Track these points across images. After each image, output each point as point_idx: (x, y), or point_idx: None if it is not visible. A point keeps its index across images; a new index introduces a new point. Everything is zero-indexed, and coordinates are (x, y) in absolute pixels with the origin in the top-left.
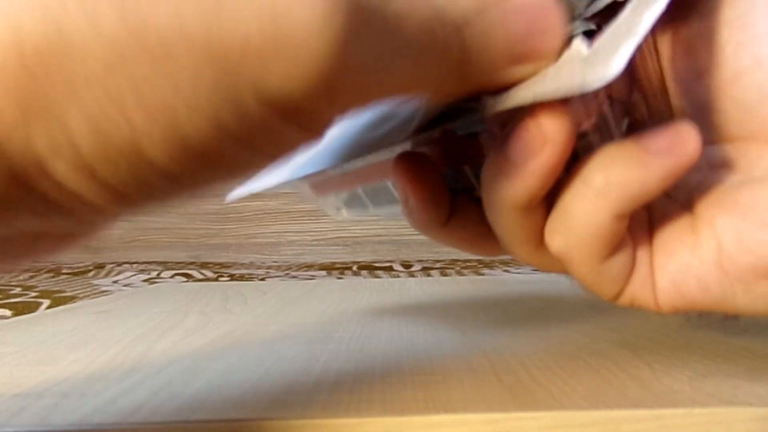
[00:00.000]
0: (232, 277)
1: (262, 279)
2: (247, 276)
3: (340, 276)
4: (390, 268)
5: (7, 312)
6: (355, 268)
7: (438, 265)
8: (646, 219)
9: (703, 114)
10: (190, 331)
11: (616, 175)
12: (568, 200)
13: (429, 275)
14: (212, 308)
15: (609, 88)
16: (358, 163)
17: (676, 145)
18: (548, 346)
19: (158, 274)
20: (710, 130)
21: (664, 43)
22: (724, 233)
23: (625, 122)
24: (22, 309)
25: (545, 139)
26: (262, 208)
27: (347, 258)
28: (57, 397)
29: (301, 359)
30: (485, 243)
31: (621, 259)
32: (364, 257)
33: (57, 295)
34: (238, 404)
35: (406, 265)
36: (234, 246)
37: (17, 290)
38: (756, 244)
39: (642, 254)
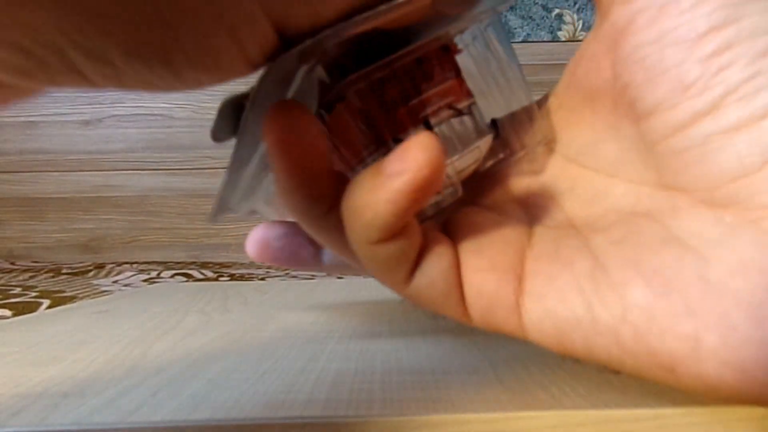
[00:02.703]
0: (232, 277)
1: (262, 279)
2: (247, 276)
3: (340, 276)
4: None
5: (7, 312)
6: None
7: None
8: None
9: (644, 149)
10: (190, 331)
11: (352, 201)
12: (341, 211)
13: None
14: (212, 308)
15: (449, 99)
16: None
17: (407, 166)
18: None
19: (158, 274)
20: (645, 170)
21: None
22: (635, 307)
23: (484, 139)
24: (22, 309)
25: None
26: None
27: None
28: (57, 397)
29: (301, 359)
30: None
31: (430, 273)
32: None
33: (57, 295)
34: (238, 404)
35: None
36: (234, 246)
37: (17, 290)
38: (672, 336)
39: (505, 277)
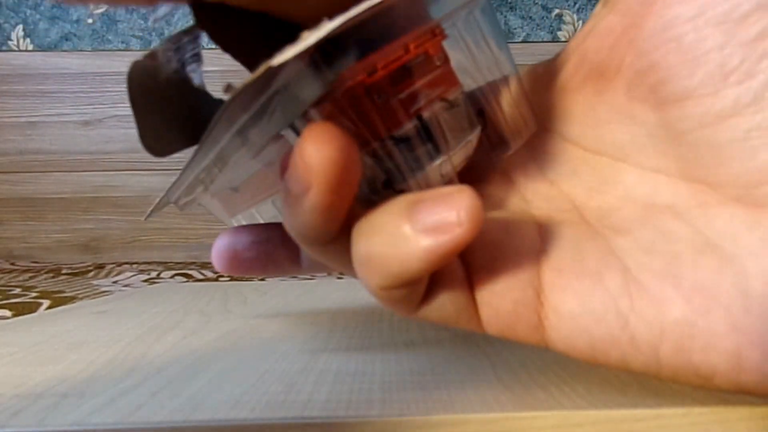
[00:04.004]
0: (232, 277)
1: (262, 279)
2: (247, 276)
3: (340, 276)
4: None
5: (7, 312)
6: None
7: None
8: (537, 245)
9: (666, 137)
10: (190, 331)
11: (376, 248)
12: (354, 247)
13: None
14: (212, 308)
15: (440, 89)
16: (242, 173)
17: (447, 227)
18: None
19: (158, 274)
20: (661, 158)
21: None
22: (675, 325)
23: (475, 132)
24: (22, 309)
25: (310, 173)
26: None
27: None
28: (57, 397)
29: (301, 359)
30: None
31: (440, 300)
32: None
33: (57, 295)
34: (238, 404)
35: None
36: None
37: (17, 290)
38: (715, 353)
39: (527, 289)
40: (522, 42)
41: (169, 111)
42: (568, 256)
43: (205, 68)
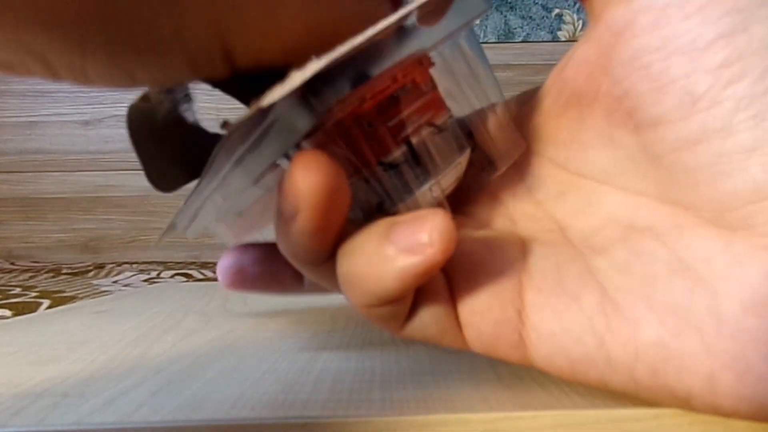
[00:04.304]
0: None
1: None
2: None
3: None
4: None
5: (7, 312)
6: None
7: None
8: (519, 265)
9: (645, 160)
10: (190, 331)
11: (355, 268)
12: (338, 267)
13: None
14: (212, 308)
15: (428, 115)
16: (245, 199)
17: (419, 247)
18: None
19: (158, 274)
20: (642, 180)
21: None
22: (649, 346)
23: (464, 154)
24: (22, 309)
25: (298, 199)
26: None
27: None
28: (57, 397)
29: (301, 359)
30: None
31: (424, 319)
32: None
33: (57, 295)
34: (238, 404)
35: None
36: None
37: (17, 290)
38: (688, 375)
39: (507, 309)
40: (522, 42)
41: (169, 148)
42: (548, 276)
43: (198, 104)
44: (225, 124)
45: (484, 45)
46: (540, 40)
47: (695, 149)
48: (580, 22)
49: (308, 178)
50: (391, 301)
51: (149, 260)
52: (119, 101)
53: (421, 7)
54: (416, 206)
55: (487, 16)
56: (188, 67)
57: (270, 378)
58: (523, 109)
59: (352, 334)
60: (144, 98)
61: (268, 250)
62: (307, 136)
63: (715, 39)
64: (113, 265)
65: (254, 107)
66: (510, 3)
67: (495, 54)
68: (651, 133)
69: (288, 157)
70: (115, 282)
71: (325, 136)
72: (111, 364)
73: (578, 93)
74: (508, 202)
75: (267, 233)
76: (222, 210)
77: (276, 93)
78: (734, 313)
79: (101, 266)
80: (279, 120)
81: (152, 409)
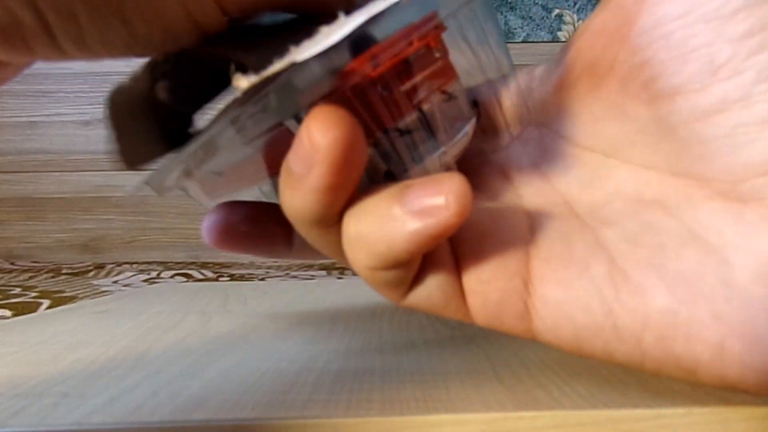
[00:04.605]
0: (232, 277)
1: (262, 279)
2: (247, 276)
3: (340, 276)
4: None
5: (7, 312)
6: None
7: None
8: (526, 235)
9: (656, 133)
10: (190, 331)
11: (364, 228)
12: (344, 227)
13: None
14: (212, 308)
15: (439, 82)
16: (230, 159)
17: (435, 210)
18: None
19: (158, 274)
20: (652, 154)
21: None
22: (658, 313)
23: (470, 123)
24: (22, 309)
25: (316, 153)
26: None
27: None
28: (57, 397)
29: (301, 359)
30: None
31: (429, 287)
32: None
33: (57, 295)
34: (238, 404)
35: None
36: None
37: (17, 290)
38: (697, 343)
39: (514, 279)
40: (522, 42)
41: (143, 125)
42: (556, 246)
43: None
44: (238, 78)
45: None
46: (540, 40)
47: (712, 120)
48: (580, 22)
49: (328, 132)
50: (400, 264)
51: (149, 260)
52: None
53: None
54: (425, 173)
55: None
56: (183, 11)
57: (270, 378)
58: (533, 81)
59: (352, 335)
60: (133, 77)
61: (259, 208)
62: (319, 99)
63: (739, 8)
64: (113, 265)
65: (287, 61)
66: (510, 3)
67: None
68: (667, 104)
69: (298, 119)
70: (115, 282)
71: (338, 99)
72: (111, 364)
73: (592, 63)
74: (514, 176)
75: (245, 195)
76: (202, 167)
77: (311, 49)
78: (745, 283)
79: (101, 266)
80: (291, 80)
81: (152, 409)
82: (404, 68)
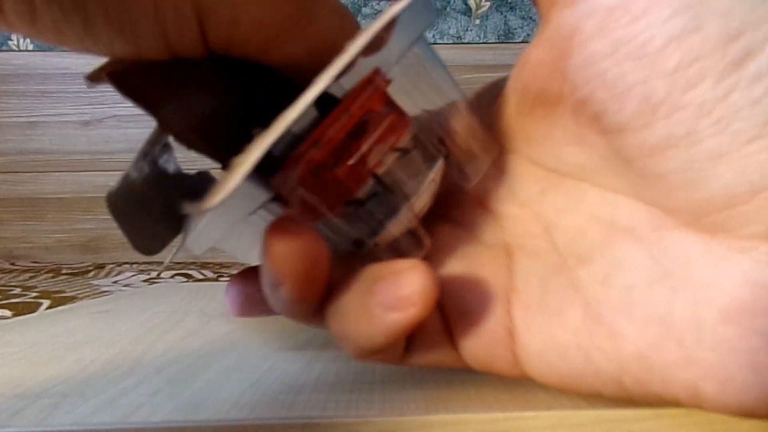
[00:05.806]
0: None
1: None
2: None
3: None
4: None
5: (7, 312)
6: None
7: None
8: (507, 282)
9: (617, 161)
10: (190, 331)
11: (343, 327)
12: (328, 324)
13: None
14: (212, 308)
15: (392, 139)
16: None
17: (402, 305)
18: None
19: (158, 274)
20: (618, 179)
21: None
22: (632, 358)
23: (438, 163)
24: (22, 309)
25: (279, 275)
26: None
27: None
28: (57, 397)
29: (301, 359)
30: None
31: (422, 351)
32: None
33: (57, 295)
34: (238, 404)
35: None
36: None
37: (17, 290)
38: (672, 384)
39: (497, 325)
40: (522, 42)
41: (151, 210)
42: (534, 292)
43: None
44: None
45: (484, 45)
46: None
47: (665, 154)
48: None
49: (286, 255)
50: (384, 350)
51: (149, 260)
52: (120, 101)
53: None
54: (392, 236)
55: (486, 16)
56: (161, 33)
57: (270, 378)
58: (492, 109)
59: None
60: (124, 177)
61: None
62: (280, 182)
63: (666, 42)
64: (113, 265)
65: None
66: (510, 3)
67: (495, 54)
68: (618, 138)
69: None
70: (115, 282)
71: (289, 184)
72: (111, 364)
73: (542, 94)
74: (493, 206)
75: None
76: (226, 230)
77: (224, 190)
78: (713, 323)
79: (101, 266)
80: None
81: (152, 409)
82: (351, 140)
